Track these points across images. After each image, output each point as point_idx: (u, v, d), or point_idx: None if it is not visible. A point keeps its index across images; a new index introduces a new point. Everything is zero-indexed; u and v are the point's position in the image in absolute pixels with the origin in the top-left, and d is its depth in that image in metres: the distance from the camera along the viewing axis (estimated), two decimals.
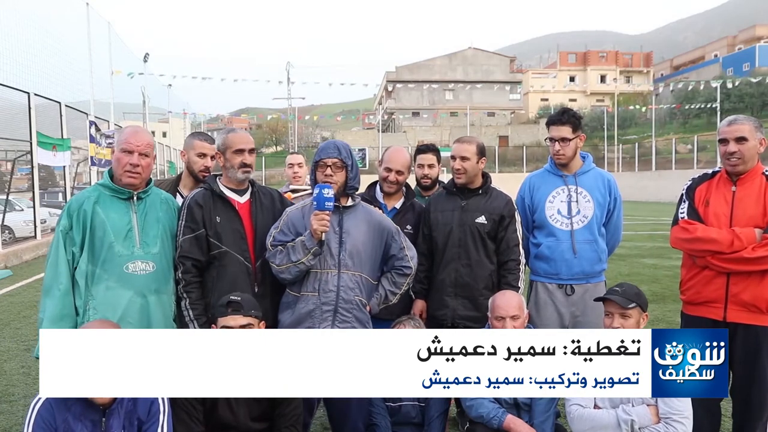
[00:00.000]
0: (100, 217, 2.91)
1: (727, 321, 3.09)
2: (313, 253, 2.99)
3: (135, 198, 2.99)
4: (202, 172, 3.71)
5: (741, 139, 3.07)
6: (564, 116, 3.56)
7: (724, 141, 3.13)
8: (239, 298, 2.81)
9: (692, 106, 49.80)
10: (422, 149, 4.05)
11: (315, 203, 2.95)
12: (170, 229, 3.10)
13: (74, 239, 2.90)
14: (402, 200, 3.80)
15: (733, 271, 3.04)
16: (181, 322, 3.08)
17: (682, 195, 3.30)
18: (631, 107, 55.00)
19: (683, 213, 3.23)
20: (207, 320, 3.05)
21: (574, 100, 69.57)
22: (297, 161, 5.28)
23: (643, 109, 54.25)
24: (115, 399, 2.52)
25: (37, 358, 2.73)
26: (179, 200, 3.48)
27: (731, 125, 3.12)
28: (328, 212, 2.95)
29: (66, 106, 15.62)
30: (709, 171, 3.32)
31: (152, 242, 2.98)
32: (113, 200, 2.97)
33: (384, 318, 3.40)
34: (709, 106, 46.33)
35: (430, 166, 4.00)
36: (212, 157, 3.71)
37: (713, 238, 3.04)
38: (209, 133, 4.07)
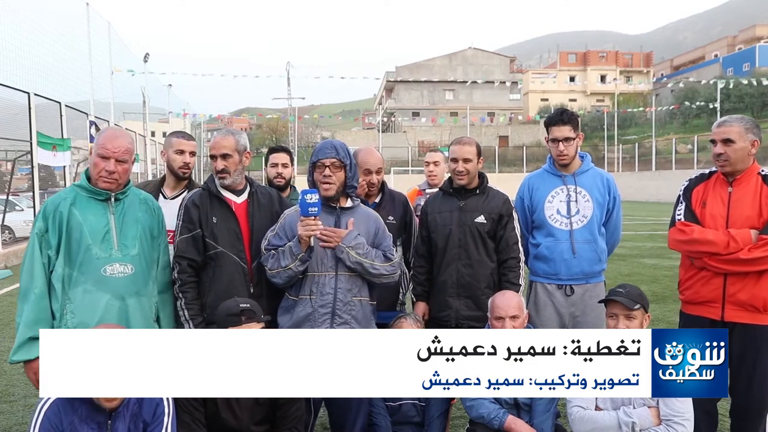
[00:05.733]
0: (77, 219, 2.81)
1: (725, 320, 3.10)
2: (300, 259, 2.95)
3: (113, 199, 2.89)
4: (182, 169, 3.68)
5: (727, 141, 3.08)
6: (564, 116, 3.56)
7: (713, 142, 3.15)
8: (249, 305, 2.74)
9: (692, 106, 49.77)
10: (275, 149, 4.25)
11: (299, 209, 2.90)
12: (149, 230, 3.00)
13: (50, 242, 2.80)
14: (380, 194, 3.83)
15: (730, 272, 3.05)
16: (176, 322, 3.08)
17: (679, 196, 3.31)
18: (631, 108, 54.94)
19: (680, 215, 3.24)
20: (203, 320, 3.04)
21: (574, 100, 69.52)
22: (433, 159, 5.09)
23: (643, 108, 54.23)
24: (121, 402, 2.52)
25: (12, 363, 2.73)
26: (162, 201, 3.47)
27: (720, 127, 3.14)
28: (314, 218, 2.90)
29: (66, 106, 15.58)
30: (706, 171, 3.32)
31: (131, 244, 2.90)
32: (90, 201, 2.87)
33: (381, 309, 3.40)
34: (709, 106, 46.31)
35: (284, 165, 4.18)
36: (191, 153, 3.71)
37: (709, 239, 3.06)
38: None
